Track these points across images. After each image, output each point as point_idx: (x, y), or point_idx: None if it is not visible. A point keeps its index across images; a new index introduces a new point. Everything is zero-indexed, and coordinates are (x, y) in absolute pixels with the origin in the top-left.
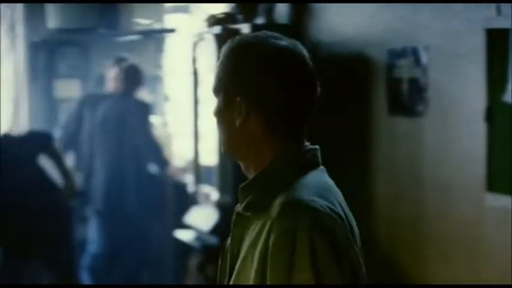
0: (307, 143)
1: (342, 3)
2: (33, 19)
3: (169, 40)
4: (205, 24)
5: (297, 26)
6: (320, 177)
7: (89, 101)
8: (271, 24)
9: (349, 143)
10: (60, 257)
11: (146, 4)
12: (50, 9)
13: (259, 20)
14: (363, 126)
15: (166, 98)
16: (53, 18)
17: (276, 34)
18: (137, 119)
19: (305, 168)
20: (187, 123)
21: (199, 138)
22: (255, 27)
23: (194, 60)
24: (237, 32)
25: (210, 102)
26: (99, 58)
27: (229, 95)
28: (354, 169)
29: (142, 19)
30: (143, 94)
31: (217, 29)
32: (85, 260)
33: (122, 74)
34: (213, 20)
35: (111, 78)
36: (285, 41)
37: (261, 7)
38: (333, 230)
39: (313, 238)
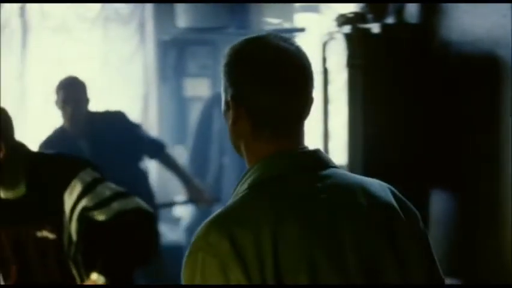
0: (302, 145)
1: (473, 3)
2: (163, 18)
3: (299, 39)
4: (334, 23)
5: (427, 26)
6: (284, 184)
7: (218, 101)
8: (402, 24)
9: (475, 145)
10: None
11: (276, 4)
12: (180, 8)
13: (389, 20)
14: (491, 128)
15: None
16: (183, 17)
17: (276, 35)
18: None
19: (276, 171)
20: (317, 122)
21: (329, 137)
22: (385, 27)
23: (324, 60)
24: (366, 31)
25: (340, 101)
26: None
27: (226, 94)
28: (479, 175)
29: (272, 18)
30: None
31: (347, 29)
32: None
33: None
34: (343, 20)
35: None
36: (279, 42)
37: (391, 7)
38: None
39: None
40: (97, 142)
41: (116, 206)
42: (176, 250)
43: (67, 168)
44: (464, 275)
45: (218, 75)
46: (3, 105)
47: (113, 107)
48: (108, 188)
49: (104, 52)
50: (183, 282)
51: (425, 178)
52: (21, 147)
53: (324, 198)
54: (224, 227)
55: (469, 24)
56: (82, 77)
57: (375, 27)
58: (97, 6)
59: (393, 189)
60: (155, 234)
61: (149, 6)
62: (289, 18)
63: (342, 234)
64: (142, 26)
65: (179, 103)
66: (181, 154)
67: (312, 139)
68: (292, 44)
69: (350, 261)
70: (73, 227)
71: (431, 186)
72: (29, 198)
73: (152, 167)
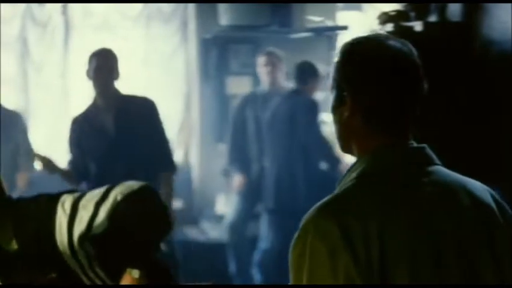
0: (410, 141)
1: None
2: (206, 16)
3: (341, 38)
4: (377, 21)
5: (469, 24)
6: (379, 186)
7: (251, 101)
8: (444, 23)
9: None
10: None
11: (318, 2)
12: (222, 6)
13: (432, 18)
14: None
15: None
16: (225, 15)
17: (388, 36)
18: (306, 117)
19: (384, 164)
20: None
21: None
22: (428, 25)
23: None
24: (409, 29)
25: None
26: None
27: (339, 90)
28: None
29: (314, 16)
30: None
31: (389, 27)
32: (256, 256)
33: (294, 71)
34: (385, 18)
35: (265, 73)
36: (393, 42)
37: (434, 5)
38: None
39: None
40: (122, 122)
41: (101, 216)
42: (218, 248)
43: (46, 210)
44: None
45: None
46: (46, 102)
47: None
48: (89, 197)
49: (146, 50)
50: (290, 264)
51: (468, 177)
52: (8, 202)
53: (428, 193)
54: (334, 214)
55: (510, 23)
56: (124, 74)
57: (417, 26)
58: (139, 4)
59: (492, 192)
60: (165, 207)
61: (191, 5)
62: (332, 17)
63: (444, 231)
64: (184, 24)
65: (221, 101)
66: (223, 152)
67: None
68: (405, 44)
69: (449, 258)
70: (80, 256)
71: None
72: (23, 251)
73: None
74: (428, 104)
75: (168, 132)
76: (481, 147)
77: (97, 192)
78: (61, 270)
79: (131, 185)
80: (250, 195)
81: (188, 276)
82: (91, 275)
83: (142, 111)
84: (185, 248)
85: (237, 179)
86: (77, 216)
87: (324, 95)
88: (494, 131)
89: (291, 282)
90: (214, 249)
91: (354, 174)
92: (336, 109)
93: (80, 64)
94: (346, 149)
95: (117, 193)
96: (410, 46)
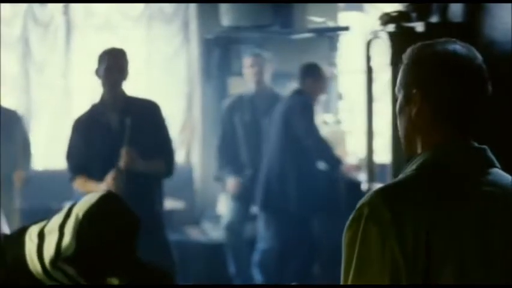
0: (472, 141)
1: None
2: (207, 16)
3: (343, 38)
4: (378, 22)
5: (471, 25)
6: (435, 179)
7: (238, 104)
8: (445, 23)
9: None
10: None
11: (320, 2)
12: (224, 7)
13: (433, 19)
14: None
15: (340, 96)
16: (226, 15)
17: (454, 40)
18: (301, 119)
19: (444, 160)
20: (361, 121)
21: (373, 136)
22: (429, 26)
23: (368, 58)
24: (411, 30)
25: (384, 99)
26: (272, 56)
27: (408, 89)
28: None
29: (316, 17)
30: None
31: (391, 27)
32: (255, 257)
33: (299, 72)
34: (387, 18)
35: (251, 75)
36: (459, 46)
37: (435, 6)
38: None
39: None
40: (128, 122)
41: (75, 212)
42: (220, 248)
43: (17, 245)
44: None
45: None
46: (48, 103)
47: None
48: (54, 221)
49: (148, 51)
50: (344, 244)
51: None
52: None
53: (484, 194)
54: (388, 200)
55: None
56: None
57: (419, 26)
58: (141, 4)
59: None
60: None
61: (193, 5)
62: (333, 17)
63: (493, 233)
64: (186, 24)
65: (223, 101)
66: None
67: (356, 138)
68: (470, 49)
69: (497, 261)
70: (59, 278)
71: None
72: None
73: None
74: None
75: (170, 134)
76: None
77: (61, 215)
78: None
79: (90, 198)
80: (244, 197)
81: (190, 276)
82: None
83: (147, 113)
84: (186, 248)
85: (231, 182)
86: (44, 243)
87: (326, 96)
88: (495, 132)
89: (342, 261)
90: (216, 250)
91: (414, 166)
92: (404, 108)
93: (82, 64)
94: (410, 147)
95: (78, 211)
96: (475, 51)
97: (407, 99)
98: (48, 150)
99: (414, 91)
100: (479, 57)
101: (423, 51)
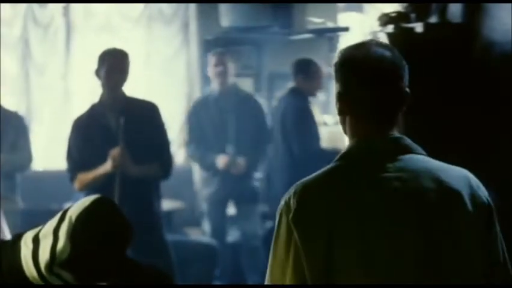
0: (391, 132)
1: None
2: (207, 17)
3: (342, 39)
4: (378, 23)
5: (470, 26)
6: (348, 168)
7: (203, 105)
8: (444, 24)
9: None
10: None
11: (319, 3)
12: (224, 7)
13: (432, 19)
14: None
15: None
16: (226, 16)
17: (373, 41)
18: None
19: (348, 156)
20: None
21: None
22: (428, 27)
23: None
24: (410, 30)
25: None
26: (272, 57)
27: (336, 90)
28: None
29: (315, 18)
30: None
31: (390, 28)
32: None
33: (292, 68)
34: (386, 19)
35: (215, 73)
36: (375, 47)
37: (434, 6)
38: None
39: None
40: (128, 123)
41: (69, 216)
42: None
43: (12, 252)
44: None
45: (261, 74)
46: (48, 104)
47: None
48: (48, 226)
49: (147, 52)
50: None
51: None
52: None
53: (389, 178)
54: (298, 192)
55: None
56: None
57: (418, 27)
58: (141, 5)
59: (471, 178)
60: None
61: (192, 6)
62: (333, 18)
63: (396, 215)
64: (185, 25)
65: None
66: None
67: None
68: (388, 49)
69: (398, 240)
70: (55, 282)
71: None
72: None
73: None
74: (428, 105)
75: (169, 135)
76: (481, 149)
77: (55, 219)
78: None
79: (84, 202)
80: (221, 200)
81: (190, 277)
82: None
83: (146, 114)
84: (187, 249)
85: (221, 159)
86: (39, 248)
87: (326, 96)
88: (494, 132)
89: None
90: (216, 251)
91: (336, 159)
92: (336, 104)
93: (82, 65)
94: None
95: (71, 214)
96: (391, 51)
97: (336, 97)
98: (48, 151)
99: (335, 92)
100: (393, 57)
101: (342, 55)
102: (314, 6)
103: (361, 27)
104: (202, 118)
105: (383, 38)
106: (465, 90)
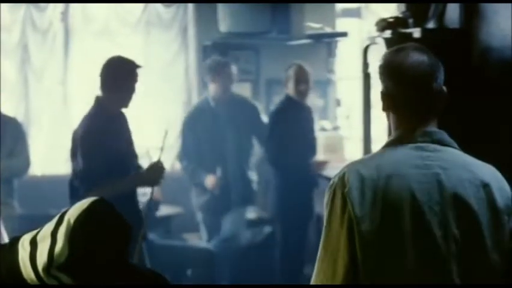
0: (430, 127)
1: None
2: (205, 22)
3: (341, 44)
4: (375, 28)
5: (468, 31)
6: (393, 152)
7: (200, 114)
8: (442, 29)
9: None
10: None
11: (317, 8)
12: (222, 13)
13: (430, 25)
14: None
15: (337, 102)
16: (224, 21)
17: (412, 46)
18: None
19: (393, 143)
20: (359, 127)
21: (370, 142)
22: (426, 32)
23: (365, 65)
24: (407, 36)
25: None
26: (270, 62)
27: (381, 90)
28: None
29: (313, 23)
30: (313, 99)
31: (388, 33)
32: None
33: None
34: (384, 24)
35: (218, 81)
36: (412, 52)
37: (432, 11)
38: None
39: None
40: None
41: (67, 218)
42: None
43: (10, 254)
44: None
45: (259, 79)
46: (47, 109)
47: (154, 111)
48: (46, 228)
49: (146, 57)
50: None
51: None
52: None
53: (431, 165)
54: (351, 171)
55: (509, 30)
56: None
57: (416, 32)
58: (139, 10)
59: (498, 174)
60: (118, 216)
61: (191, 11)
62: (331, 23)
63: (440, 196)
64: (184, 30)
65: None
66: None
67: (354, 144)
68: (424, 53)
69: (448, 219)
70: (54, 283)
71: None
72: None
73: None
74: None
75: (169, 138)
76: (479, 154)
77: (53, 222)
78: None
79: (82, 204)
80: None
81: (188, 282)
82: None
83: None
84: (185, 254)
85: (209, 180)
86: (37, 251)
87: (324, 102)
88: (493, 138)
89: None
90: (214, 256)
91: (383, 145)
92: (381, 102)
93: (81, 70)
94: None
95: (70, 216)
96: (430, 55)
97: (381, 96)
98: (47, 156)
99: (380, 91)
100: (429, 61)
101: (384, 59)
102: (312, 12)
103: (359, 32)
104: (197, 129)
105: (381, 43)
106: (463, 95)
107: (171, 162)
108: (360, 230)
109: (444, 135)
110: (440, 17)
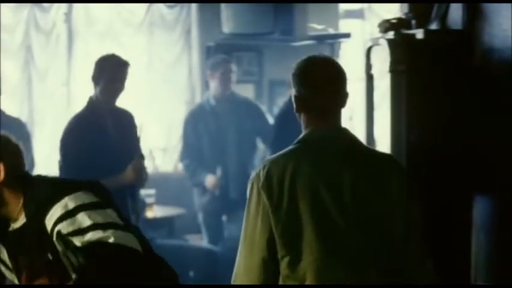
0: (336, 124)
1: None
2: (208, 24)
3: (344, 45)
4: (378, 29)
5: (470, 32)
6: (302, 148)
7: (200, 114)
8: (445, 30)
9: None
10: None
11: (320, 9)
12: (225, 14)
13: (433, 26)
14: None
15: None
16: (227, 23)
17: (320, 54)
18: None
19: (303, 140)
20: (361, 128)
21: (373, 144)
22: (428, 33)
23: (368, 66)
24: (410, 37)
25: (384, 107)
26: (273, 63)
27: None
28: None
29: (316, 24)
30: None
31: (390, 35)
32: None
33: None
34: (386, 26)
35: (221, 80)
36: (320, 58)
37: (435, 13)
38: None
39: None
40: (117, 129)
41: (89, 236)
42: (209, 255)
43: (55, 193)
44: (507, 281)
45: (262, 81)
46: (50, 110)
47: (158, 112)
48: (92, 218)
49: (149, 58)
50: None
51: (468, 183)
52: (27, 178)
53: (331, 153)
54: (265, 165)
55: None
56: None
57: (418, 33)
58: (142, 11)
59: (396, 161)
60: (135, 272)
61: (194, 12)
62: (334, 24)
63: (342, 175)
64: (187, 31)
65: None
66: None
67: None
68: (331, 60)
69: (343, 194)
70: (59, 248)
71: (475, 192)
72: (28, 227)
73: None
74: (431, 111)
75: (171, 140)
76: (481, 155)
77: (105, 218)
78: (55, 253)
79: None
80: (215, 211)
81: (189, 283)
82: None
83: (128, 122)
84: (187, 255)
85: (209, 180)
86: (69, 219)
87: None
88: (494, 139)
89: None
90: (217, 257)
91: (295, 141)
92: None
93: (84, 71)
94: None
95: (116, 236)
96: (337, 63)
97: (294, 98)
98: (51, 156)
99: (292, 95)
100: (337, 67)
101: (296, 67)
102: (316, 13)
103: (362, 33)
104: (198, 128)
105: (384, 45)
106: (465, 96)
107: (174, 164)
108: (273, 214)
109: (349, 131)
110: (443, 18)
